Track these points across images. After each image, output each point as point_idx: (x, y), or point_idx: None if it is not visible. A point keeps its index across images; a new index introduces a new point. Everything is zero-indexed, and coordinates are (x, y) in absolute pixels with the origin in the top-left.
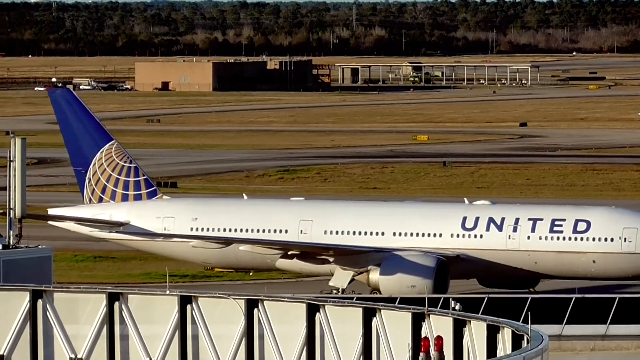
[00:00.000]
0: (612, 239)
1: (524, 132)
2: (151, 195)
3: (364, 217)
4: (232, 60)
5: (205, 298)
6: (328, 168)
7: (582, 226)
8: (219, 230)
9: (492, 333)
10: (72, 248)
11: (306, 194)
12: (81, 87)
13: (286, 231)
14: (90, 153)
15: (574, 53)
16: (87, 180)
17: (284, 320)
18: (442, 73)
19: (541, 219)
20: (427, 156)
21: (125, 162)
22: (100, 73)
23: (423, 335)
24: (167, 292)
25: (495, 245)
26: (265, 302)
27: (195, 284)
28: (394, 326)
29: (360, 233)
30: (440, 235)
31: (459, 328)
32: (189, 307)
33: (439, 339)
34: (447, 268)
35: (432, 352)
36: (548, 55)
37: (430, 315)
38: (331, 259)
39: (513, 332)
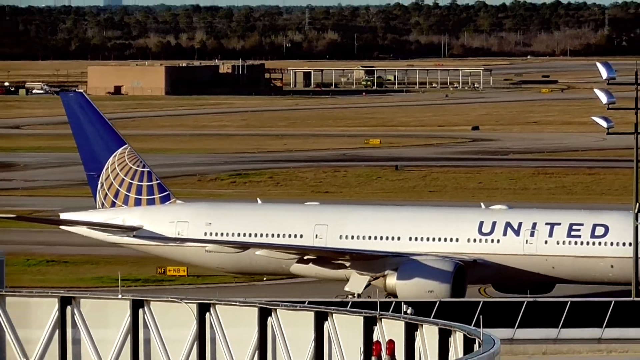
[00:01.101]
0: (630, 244)
1: (476, 135)
2: (164, 199)
3: (380, 222)
4: (184, 64)
5: (157, 302)
6: (280, 172)
7: (600, 230)
8: (233, 235)
9: (444, 337)
10: (24, 252)
11: (259, 197)
12: (34, 91)
13: (301, 236)
14: (103, 157)
15: (529, 57)
16: (99, 185)
17: (235, 324)
18: (395, 77)
19: (559, 224)
20: (379, 160)
21: (138, 166)
22: (53, 77)
23: (375, 339)
24: (120, 296)
25: (513, 250)
26: (217, 306)
27: (148, 288)
28: (346, 330)
29: (376, 238)
30: (457, 239)
31: (410, 332)
32: (141, 311)
33: (391, 343)
34: (465, 273)
35: (384, 356)
36: (501, 58)
37: (382, 319)
38: (347, 264)
39: (465, 335)
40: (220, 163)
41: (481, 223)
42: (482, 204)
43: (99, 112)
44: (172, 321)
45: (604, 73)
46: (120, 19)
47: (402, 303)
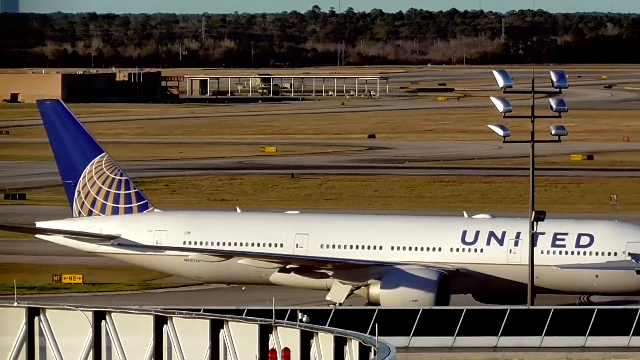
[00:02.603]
0: (615, 254)
1: (373, 143)
2: (142, 208)
3: (362, 231)
4: (81, 72)
5: (53, 310)
6: (176, 180)
7: (585, 240)
8: (212, 244)
9: (340, 345)
10: None
11: (155, 206)
12: None
13: (282, 245)
14: (80, 165)
15: (429, 64)
16: (76, 193)
17: (131, 332)
18: (291, 85)
19: (543, 233)
20: (275, 168)
21: (115, 174)
22: None
23: (270, 347)
24: (15, 304)
25: (496, 260)
26: (112, 314)
27: (43, 295)
28: (242, 338)
29: (357, 247)
30: (440, 249)
31: (306, 340)
32: (36, 318)
33: (286, 351)
34: (449, 282)
35: None
36: (397, 66)
37: (278, 327)
38: (330, 273)
39: (360, 343)
40: None
41: (464, 232)
42: (464, 213)
43: (76, 120)
44: (68, 329)
45: (500, 81)
46: (17, 26)
47: (298, 311)
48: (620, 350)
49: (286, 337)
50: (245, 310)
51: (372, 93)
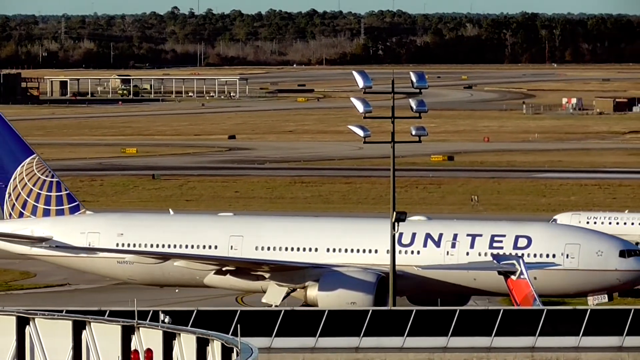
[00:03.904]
0: (553, 255)
1: (233, 144)
2: (74, 210)
3: (297, 233)
4: None
5: None
6: None
7: (522, 242)
8: (145, 245)
9: (202, 346)
10: None
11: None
12: None
13: (216, 247)
14: (10, 167)
15: (294, 65)
16: (7, 195)
17: None
18: (151, 86)
19: (480, 235)
20: (136, 169)
21: (47, 176)
22: None
23: (133, 348)
24: None
25: (433, 262)
26: None
27: None
28: (104, 339)
29: (292, 249)
30: (376, 251)
31: (168, 341)
32: None
33: (149, 352)
34: (387, 284)
35: None
36: (257, 67)
37: (140, 328)
38: (267, 275)
39: (223, 344)
40: None
41: (401, 234)
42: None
43: (6, 122)
44: None
45: (360, 82)
46: None
47: (160, 312)
48: (483, 350)
49: (149, 338)
50: (108, 311)
51: (231, 94)
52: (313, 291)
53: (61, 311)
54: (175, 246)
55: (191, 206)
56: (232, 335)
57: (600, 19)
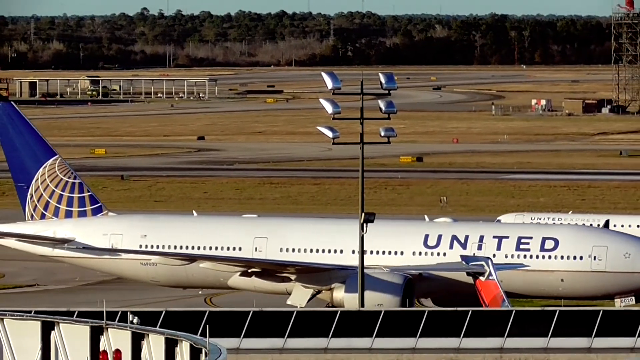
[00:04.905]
0: (581, 257)
1: (202, 145)
2: (96, 211)
3: (322, 234)
4: None
5: None
6: (6, 182)
7: (550, 244)
8: (169, 247)
9: (171, 346)
10: None
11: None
12: None
13: (240, 248)
14: (32, 168)
15: (272, 67)
16: (29, 197)
17: None
18: (120, 87)
19: (507, 237)
20: (105, 170)
21: (69, 177)
22: None
23: (101, 348)
24: None
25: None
26: None
27: None
28: (73, 339)
29: (317, 250)
30: (402, 253)
31: (137, 341)
32: None
33: (118, 353)
34: (414, 286)
35: None
36: (226, 68)
37: (109, 329)
38: (293, 277)
39: (191, 345)
40: None
41: (426, 236)
42: (425, 216)
43: (28, 123)
44: None
45: (329, 83)
46: None
47: (128, 313)
48: (452, 351)
49: (117, 339)
50: (77, 312)
51: (201, 95)
52: (340, 293)
53: (30, 312)
54: (199, 248)
55: (160, 207)
56: (200, 335)
57: (569, 21)
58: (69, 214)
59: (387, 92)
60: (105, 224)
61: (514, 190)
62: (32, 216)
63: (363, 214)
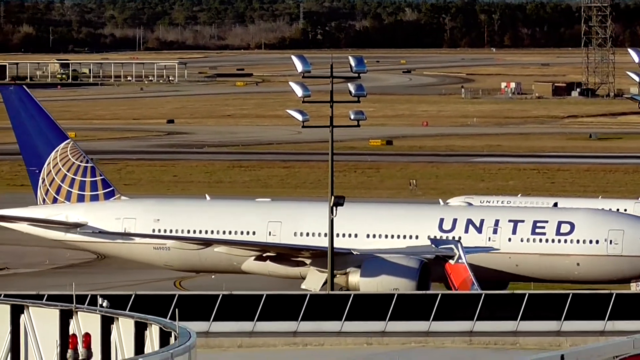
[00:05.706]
0: (597, 241)
1: (171, 129)
2: (109, 195)
3: (337, 218)
4: None
5: None
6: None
7: (565, 228)
8: (182, 231)
9: (140, 330)
10: None
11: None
12: None
13: (254, 233)
14: (44, 152)
15: (242, 50)
16: (40, 181)
17: None
18: (90, 70)
19: (522, 221)
20: None
21: (81, 161)
22: None
23: (71, 332)
24: None
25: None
26: None
27: None
28: (42, 323)
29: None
30: (417, 237)
31: (106, 325)
32: None
33: (87, 336)
34: (429, 270)
35: (80, 349)
36: (196, 52)
37: (78, 312)
38: (308, 261)
39: (161, 329)
40: None
41: (441, 220)
42: (440, 200)
43: (40, 107)
44: None
45: (299, 66)
46: None
47: (98, 296)
48: (421, 335)
49: (87, 323)
50: (46, 296)
51: (170, 78)
52: (355, 277)
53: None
54: (212, 232)
55: (130, 190)
56: (170, 319)
57: (539, 4)
58: (81, 198)
59: (356, 75)
60: (117, 208)
61: (484, 174)
62: (44, 200)
63: (333, 197)
